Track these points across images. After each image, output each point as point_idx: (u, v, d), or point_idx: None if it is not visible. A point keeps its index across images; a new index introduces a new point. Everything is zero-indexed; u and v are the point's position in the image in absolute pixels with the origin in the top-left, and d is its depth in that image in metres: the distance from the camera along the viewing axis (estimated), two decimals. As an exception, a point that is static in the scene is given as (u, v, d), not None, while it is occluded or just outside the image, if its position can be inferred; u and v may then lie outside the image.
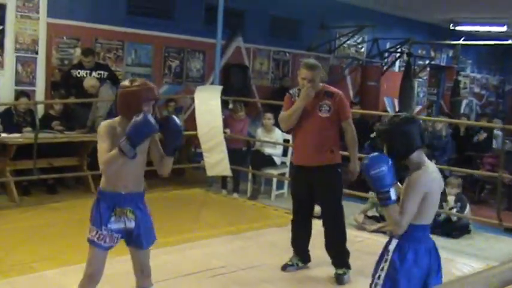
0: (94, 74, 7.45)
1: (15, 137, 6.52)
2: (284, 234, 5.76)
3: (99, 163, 2.96)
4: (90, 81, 7.29)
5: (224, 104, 7.70)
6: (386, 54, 13.22)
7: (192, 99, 7.82)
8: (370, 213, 6.28)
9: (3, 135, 6.53)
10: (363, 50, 12.96)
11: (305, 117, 4.52)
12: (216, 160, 7.27)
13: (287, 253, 5.08)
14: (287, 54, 11.11)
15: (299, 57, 11.24)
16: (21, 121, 6.84)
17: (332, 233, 4.62)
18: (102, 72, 7.56)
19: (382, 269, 2.85)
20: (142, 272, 3.24)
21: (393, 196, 2.68)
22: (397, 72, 13.44)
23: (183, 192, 7.49)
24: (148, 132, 2.88)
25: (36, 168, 6.44)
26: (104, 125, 3.05)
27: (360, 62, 12.64)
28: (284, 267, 4.72)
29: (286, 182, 7.67)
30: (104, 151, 2.93)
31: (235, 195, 7.45)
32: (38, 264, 4.45)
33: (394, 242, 2.82)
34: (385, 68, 13.00)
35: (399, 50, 13.12)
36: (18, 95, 7.19)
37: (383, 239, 5.74)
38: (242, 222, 6.17)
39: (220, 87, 7.60)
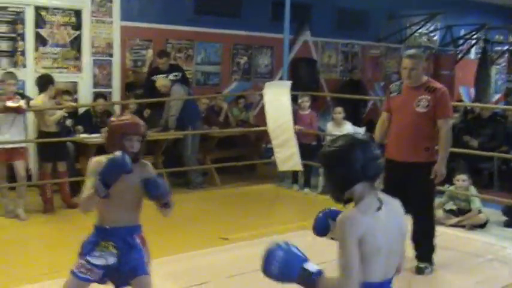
0: (170, 76, 7.64)
1: (95, 137, 6.81)
2: (357, 229, 5.76)
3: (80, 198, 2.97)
4: (162, 81, 7.49)
5: (293, 99, 7.73)
6: (460, 42, 12.82)
7: (261, 96, 7.90)
8: (447, 207, 6.15)
9: (84, 135, 6.84)
10: (435, 38, 12.62)
11: (402, 110, 4.46)
12: (287, 155, 7.32)
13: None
14: (355, 46, 10.99)
15: (368, 48, 11.13)
16: (100, 122, 7.14)
17: (421, 228, 4.56)
18: (177, 73, 7.75)
19: None
20: None
21: (312, 269, 2.09)
22: (473, 60, 13.01)
23: (254, 187, 7.60)
24: (121, 172, 2.75)
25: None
26: (92, 162, 2.95)
27: (433, 51, 12.33)
28: None
29: (357, 176, 7.61)
30: (86, 189, 2.88)
31: (306, 190, 7.47)
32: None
33: None
34: (459, 56, 12.62)
35: (474, 36, 12.68)
36: (96, 96, 7.52)
37: (462, 234, 5.74)
38: (314, 217, 6.18)
39: (289, 82, 7.63)
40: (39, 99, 6.10)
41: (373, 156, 2.14)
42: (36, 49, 7.28)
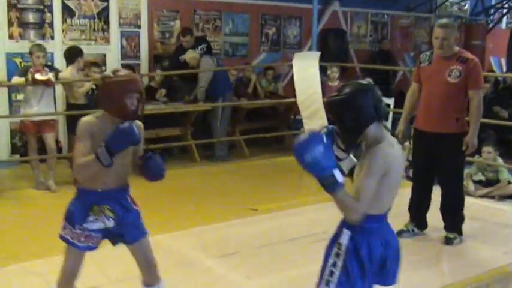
0: (197, 50, 7.58)
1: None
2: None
3: (74, 164, 2.71)
4: (191, 53, 7.44)
5: (322, 70, 7.62)
6: (491, 11, 12.48)
7: (290, 67, 7.81)
8: (476, 178, 6.06)
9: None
10: (466, 7, 12.31)
11: (432, 80, 4.38)
12: (316, 127, 7.21)
13: (390, 219, 5.01)
14: (385, 16, 10.78)
15: (398, 18, 10.90)
16: (128, 94, 7.12)
17: (450, 198, 4.53)
18: (202, 46, 7.68)
19: (334, 265, 2.38)
20: (146, 268, 2.96)
21: (339, 179, 2.19)
22: (505, 30, 12.67)
23: (283, 159, 7.54)
24: (129, 143, 2.64)
25: (144, 138, 6.70)
26: (82, 122, 2.74)
27: (464, 21, 12.02)
28: (399, 233, 4.64)
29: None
30: (80, 153, 2.67)
31: (335, 161, 7.40)
32: (150, 230, 4.66)
33: (346, 235, 2.37)
34: (491, 25, 12.29)
35: (506, 5, 12.33)
36: (124, 68, 7.50)
37: (490, 204, 5.66)
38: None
39: (317, 53, 7.52)
40: (67, 72, 6.12)
41: (380, 98, 2.31)
42: (64, 21, 7.28)
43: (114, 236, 2.88)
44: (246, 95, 8.12)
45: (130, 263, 2.99)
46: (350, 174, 2.43)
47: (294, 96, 7.37)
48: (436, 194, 4.62)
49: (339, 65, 7.96)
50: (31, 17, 7.04)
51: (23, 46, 6.70)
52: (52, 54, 6.99)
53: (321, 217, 5.14)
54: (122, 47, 7.76)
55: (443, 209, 4.58)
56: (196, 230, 4.73)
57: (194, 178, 6.51)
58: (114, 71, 2.81)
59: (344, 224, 2.39)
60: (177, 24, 8.21)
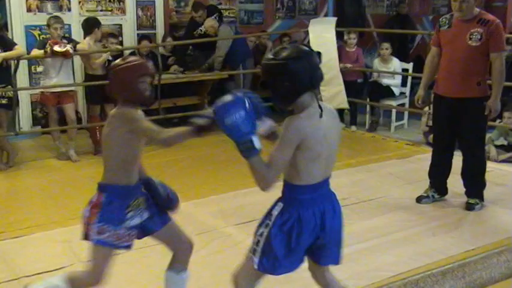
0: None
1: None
2: (406, 166, 5.72)
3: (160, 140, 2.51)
4: (209, 21, 7.41)
5: (339, 35, 7.56)
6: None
7: (306, 33, 7.75)
8: (498, 143, 6.02)
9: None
10: (486, -33, 12.02)
11: (453, 44, 4.33)
12: (333, 93, 7.23)
13: (410, 185, 5.05)
14: (403, -21, 10.58)
15: (416, -19, 10.70)
16: (145, 64, 7.15)
17: (471, 164, 4.51)
18: (215, 15, 7.61)
19: (261, 235, 2.37)
20: (180, 245, 2.83)
21: (257, 145, 2.15)
22: (528, -11, 12.36)
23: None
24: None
25: (162, 107, 6.77)
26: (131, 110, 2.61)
27: (484, -19, 11.77)
28: (419, 199, 4.67)
29: (406, 113, 7.50)
30: (150, 126, 2.54)
31: (353, 128, 7.41)
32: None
33: (279, 207, 2.36)
34: (512, -15, 12.02)
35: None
36: (141, 38, 7.52)
37: (513, 169, 5.64)
38: (361, 155, 6.16)
39: (334, 19, 7.47)
40: (85, 43, 6.15)
41: (316, 65, 2.20)
42: (80, -8, 7.29)
43: (143, 228, 2.73)
44: (262, 62, 8.08)
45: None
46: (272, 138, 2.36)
47: (311, 63, 7.33)
48: (457, 159, 4.61)
49: (356, 30, 7.88)
50: (48, -11, 7.07)
51: (41, 18, 6.74)
52: (69, 25, 7.02)
53: (341, 183, 5.17)
54: (137, 17, 7.76)
55: (465, 175, 4.57)
56: (215, 198, 4.80)
57: (212, 147, 6.54)
58: (124, 58, 2.72)
59: (282, 196, 2.38)
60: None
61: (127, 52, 7.29)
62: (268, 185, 2.21)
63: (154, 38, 7.82)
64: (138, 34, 7.73)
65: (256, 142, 2.16)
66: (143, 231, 2.72)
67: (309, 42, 7.50)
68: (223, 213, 4.47)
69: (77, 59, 6.71)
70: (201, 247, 3.82)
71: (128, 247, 2.64)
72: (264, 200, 4.72)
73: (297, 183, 2.29)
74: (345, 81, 7.20)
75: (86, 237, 2.62)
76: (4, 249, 3.81)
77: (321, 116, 2.22)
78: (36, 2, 6.98)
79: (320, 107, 2.24)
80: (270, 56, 2.27)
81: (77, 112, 6.58)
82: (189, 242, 2.84)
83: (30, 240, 3.97)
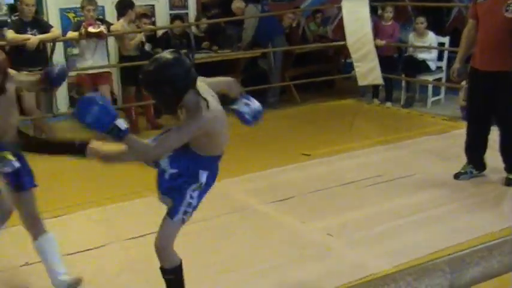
0: None
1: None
2: (443, 142, 5.64)
3: None
4: (236, 3, 7.38)
5: (373, 10, 7.44)
6: None
7: (339, 9, 7.65)
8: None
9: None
10: None
11: (489, 16, 4.23)
12: (367, 69, 7.15)
13: (447, 161, 4.98)
14: (439, -50, 10.30)
15: (452, -48, 10.41)
16: (178, 44, 7.18)
17: (508, 138, 4.42)
18: None
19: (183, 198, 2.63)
20: None
21: (123, 126, 2.28)
22: None
23: (334, 103, 7.51)
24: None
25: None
26: None
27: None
28: (457, 176, 4.59)
29: (442, 88, 7.36)
30: None
31: (388, 104, 7.32)
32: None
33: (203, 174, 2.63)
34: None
35: None
36: (173, 18, 7.54)
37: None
38: (397, 132, 6.08)
39: (368, -6, 7.33)
40: (118, 24, 6.20)
41: (189, 66, 2.37)
42: (114, -26, 7.31)
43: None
44: (295, 39, 8.04)
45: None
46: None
47: (344, 39, 7.25)
48: (495, 134, 4.52)
49: (391, 4, 7.73)
50: (80, -29, 7.10)
51: (75, 1, 6.77)
52: (103, 7, 7.06)
53: (375, 160, 5.15)
54: (170, -3, 7.77)
55: (502, 150, 4.48)
56: (249, 176, 4.82)
57: (243, 126, 6.55)
58: None
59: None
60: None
61: (160, 32, 7.33)
62: (151, 158, 2.55)
63: (186, 17, 7.82)
64: (170, 14, 7.74)
65: (122, 124, 2.28)
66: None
67: (342, 18, 7.41)
68: (257, 191, 4.49)
69: (111, 41, 6.77)
70: (236, 225, 3.85)
71: None
72: (298, 177, 4.77)
73: (206, 155, 2.60)
74: (379, 57, 7.09)
75: None
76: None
77: (208, 105, 2.40)
78: (70, -15, 7.04)
79: (205, 98, 2.40)
80: (144, 69, 2.37)
81: (112, 93, 6.66)
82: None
83: (70, 220, 4.06)
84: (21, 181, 2.98)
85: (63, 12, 7.00)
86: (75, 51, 6.68)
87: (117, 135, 2.29)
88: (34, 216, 3.04)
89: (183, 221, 2.63)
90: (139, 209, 4.15)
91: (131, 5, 6.25)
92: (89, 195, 4.50)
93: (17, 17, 6.08)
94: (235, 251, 3.48)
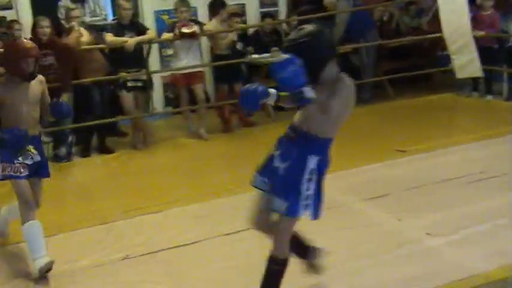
0: None
1: (265, 57, 6.90)
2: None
3: None
4: None
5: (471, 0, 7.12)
6: None
7: (435, 0, 7.38)
8: None
9: (255, 56, 6.97)
10: None
11: None
12: (466, 61, 6.84)
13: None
14: None
15: None
16: (269, 41, 7.20)
17: None
18: None
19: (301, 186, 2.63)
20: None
21: (309, 94, 2.38)
22: None
23: (432, 97, 7.26)
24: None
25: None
26: None
27: None
28: None
29: (548, 80, 6.93)
30: None
31: (488, 97, 6.98)
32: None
33: (309, 156, 2.62)
34: None
35: None
36: (264, 16, 7.57)
37: None
38: (499, 126, 5.77)
39: (465, -17, 7.02)
40: (211, 24, 6.31)
41: (333, 38, 2.65)
42: (206, -25, 7.44)
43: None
44: (388, 32, 7.84)
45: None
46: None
47: (440, 30, 6.98)
48: None
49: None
50: (174, -27, 7.29)
51: (170, 3, 6.96)
52: (195, 8, 7.21)
53: (477, 156, 4.92)
54: (260, -5, 7.82)
55: None
56: (342, 172, 4.72)
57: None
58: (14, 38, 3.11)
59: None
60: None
61: (251, 30, 7.39)
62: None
63: (276, 15, 7.83)
64: (261, 12, 7.78)
65: (309, 92, 2.38)
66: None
67: (437, 8, 7.14)
68: (352, 188, 4.41)
69: (204, 40, 6.89)
70: (332, 223, 3.79)
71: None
72: (393, 174, 4.63)
73: (328, 137, 2.63)
74: (479, 48, 6.76)
75: None
76: (144, 223, 4.03)
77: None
78: (165, -12, 7.24)
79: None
80: (292, 37, 2.53)
81: (205, 92, 6.79)
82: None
83: (168, 216, 4.16)
84: (41, 171, 3.51)
85: (158, 14, 7.23)
86: (170, 51, 6.87)
87: (301, 99, 2.40)
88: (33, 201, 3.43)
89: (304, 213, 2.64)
90: (233, 206, 4.18)
91: (223, 5, 6.34)
92: (186, 191, 4.59)
93: (115, 21, 6.33)
94: (329, 248, 3.43)
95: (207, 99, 6.91)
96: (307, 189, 2.62)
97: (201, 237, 3.71)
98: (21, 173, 3.34)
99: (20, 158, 3.36)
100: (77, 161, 5.82)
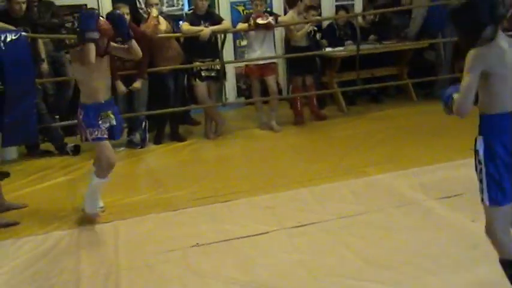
0: None
1: (338, 50, 6.86)
2: None
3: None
4: None
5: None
6: None
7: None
8: None
9: (329, 49, 6.93)
10: None
11: None
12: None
13: None
14: None
15: None
16: (343, 34, 7.14)
17: None
18: None
19: (480, 173, 2.55)
20: None
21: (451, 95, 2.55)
22: None
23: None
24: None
25: (360, 78, 6.71)
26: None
27: None
28: None
29: None
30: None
31: None
32: (369, 169, 4.72)
33: (480, 141, 2.52)
34: None
35: None
36: (338, 9, 7.51)
37: None
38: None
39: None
40: (288, 16, 6.35)
41: (496, 3, 2.46)
42: (282, -33, 7.46)
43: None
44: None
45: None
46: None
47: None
48: None
49: None
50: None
51: (245, -5, 7.06)
52: (271, 1, 7.23)
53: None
54: (336, -12, 7.76)
55: None
56: (416, 170, 4.64)
57: (412, 117, 6.35)
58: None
59: (480, 130, 2.56)
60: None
61: (325, 23, 7.35)
62: (461, 109, 2.46)
63: (352, 8, 7.75)
64: (336, 5, 7.72)
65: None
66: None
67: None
68: (424, 186, 4.31)
69: (278, 33, 6.91)
70: (401, 220, 3.74)
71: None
72: (467, 173, 4.48)
73: (492, 113, 2.47)
74: None
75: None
76: (214, 212, 4.10)
77: (508, 46, 2.43)
78: (240, -21, 7.32)
79: (505, 39, 2.45)
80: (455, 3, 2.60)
81: (277, 83, 6.81)
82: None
83: (237, 205, 4.21)
84: (114, 133, 3.93)
85: (234, 5, 7.30)
86: (244, 42, 6.93)
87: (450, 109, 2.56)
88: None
89: (497, 202, 2.54)
90: (303, 198, 4.19)
91: (301, -3, 6.34)
92: (255, 182, 4.64)
93: (191, 11, 6.45)
94: (398, 246, 3.38)
95: (279, 91, 6.93)
96: (488, 174, 2.54)
97: (268, 228, 3.73)
98: (104, 135, 3.80)
99: (100, 122, 3.78)
100: (150, 147, 5.97)
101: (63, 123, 6.05)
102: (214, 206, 4.21)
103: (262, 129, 6.34)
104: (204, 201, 4.28)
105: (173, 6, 6.74)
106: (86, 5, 6.79)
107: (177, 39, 6.14)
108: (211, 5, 6.87)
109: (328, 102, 7.19)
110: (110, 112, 3.86)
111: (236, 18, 7.02)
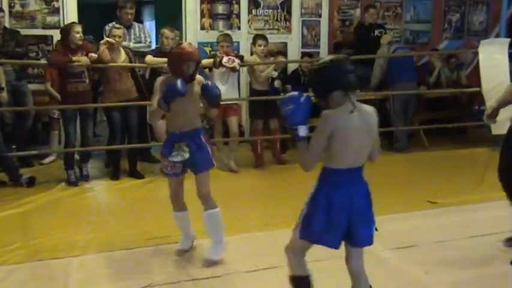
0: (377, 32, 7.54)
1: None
2: None
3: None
4: (386, 37, 7.41)
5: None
6: None
7: (475, 54, 7.38)
8: None
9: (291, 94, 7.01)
10: None
11: None
12: (503, 118, 6.75)
13: None
14: None
15: None
16: (307, 81, 7.26)
17: None
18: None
19: (302, 210, 2.82)
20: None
21: (301, 133, 2.69)
22: None
23: (466, 151, 7.20)
24: (177, 95, 3.46)
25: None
26: (158, 80, 3.73)
27: None
28: None
29: None
30: (153, 102, 3.66)
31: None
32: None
33: (315, 186, 2.78)
34: None
35: None
36: (303, 56, 7.66)
37: None
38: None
39: (507, 40, 7.02)
40: (252, 57, 6.41)
41: (349, 70, 2.70)
42: (250, 12, 7.61)
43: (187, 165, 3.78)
44: (426, 83, 7.84)
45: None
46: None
47: (478, 85, 6.96)
48: None
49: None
50: (220, 9, 7.49)
51: (213, 36, 7.15)
52: (238, 43, 7.35)
53: (507, 214, 4.82)
54: (302, 35, 7.92)
55: None
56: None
57: (371, 167, 6.42)
58: (178, 44, 3.42)
59: (318, 178, 2.78)
60: (357, 12, 8.16)
61: (290, 69, 7.47)
62: (305, 166, 2.70)
63: (317, 56, 7.91)
64: (302, 52, 7.88)
65: (302, 131, 2.69)
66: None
67: (477, 63, 7.13)
68: (378, 235, 4.33)
69: (243, 75, 6.98)
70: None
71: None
72: (423, 225, 4.57)
73: (330, 166, 2.71)
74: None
75: None
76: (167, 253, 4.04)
77: (351, 112, 2.64)
78: (209, 21, 7.42)
79: (353, 104, 2.66)
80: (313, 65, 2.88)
81: (240, 125, 6.84)
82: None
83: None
84: (197, 166, 3.79)
85: (201, 45, 7.36)
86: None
87: (295, 136, 2.72)
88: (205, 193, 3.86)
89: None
90: (256, 241, 4.17)
91: (264, 39, 6.44)
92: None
93: (157, 48, 6.47)
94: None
95: (241, 133, 6.96)
96: (302, 209, 2.82)
97: (231, 270, 3.71)
98: (170, 169, 3.75)
99: (173, 154, 3.70)
100: (105, 183, 5.91)
101: (19, 153, 5.92)
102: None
103: (222, 169, 6.32)
104: (154, 242, 4.23)
105: (140, 42, 6.75)
106: (52, 36, 6.75)
107: (138, 78, 6.12)
108: (178, 44, 6.91)
109: (289, 147, 7.24)
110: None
111: (203, 57, 7.05)
